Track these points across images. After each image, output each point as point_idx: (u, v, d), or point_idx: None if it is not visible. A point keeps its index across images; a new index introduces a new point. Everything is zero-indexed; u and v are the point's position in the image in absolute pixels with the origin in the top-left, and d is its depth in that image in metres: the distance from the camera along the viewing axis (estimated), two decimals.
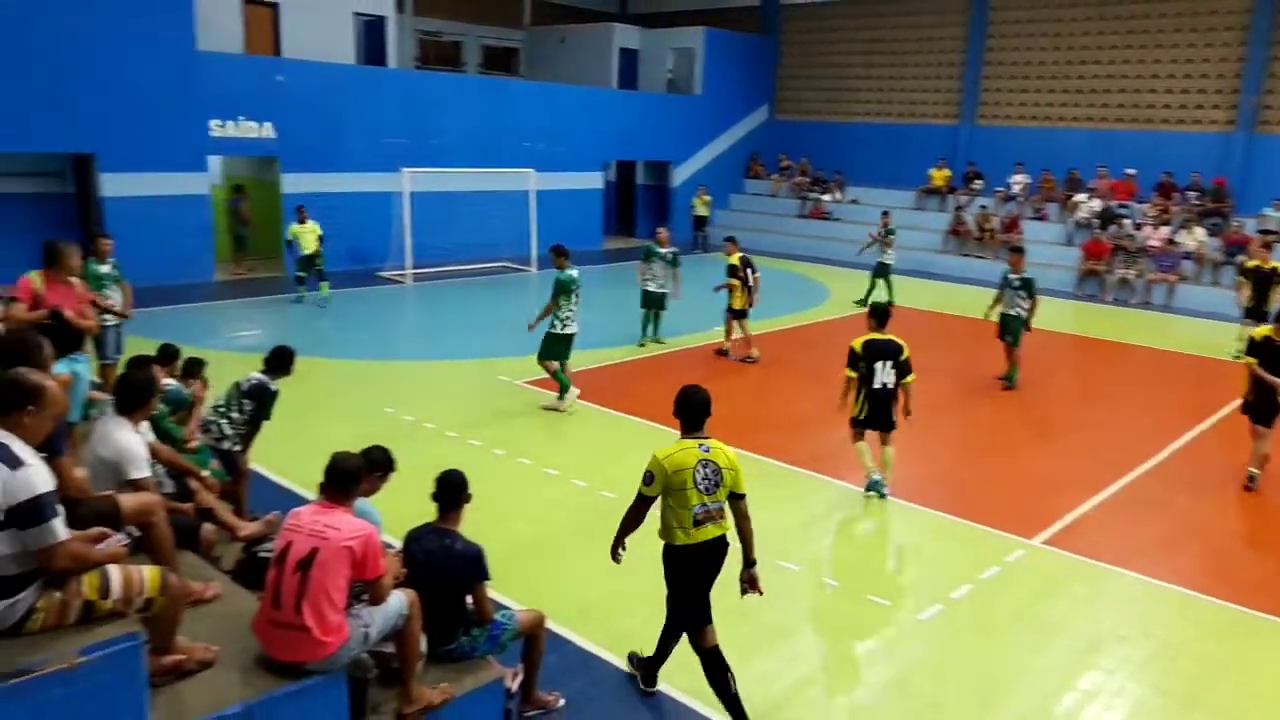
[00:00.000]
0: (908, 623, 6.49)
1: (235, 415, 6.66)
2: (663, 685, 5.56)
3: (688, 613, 5.23)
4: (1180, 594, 7.05)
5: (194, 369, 7.50)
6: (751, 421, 10.71)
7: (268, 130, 18.40)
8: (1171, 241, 20.49)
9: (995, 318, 12.49)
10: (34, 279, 7.26)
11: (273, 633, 4.04)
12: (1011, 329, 12.34)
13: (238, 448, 6.67)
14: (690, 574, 5.15)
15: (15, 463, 3.34)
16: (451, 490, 4.84)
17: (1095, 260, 20.95)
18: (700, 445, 5.06)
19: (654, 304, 14.33)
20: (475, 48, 28.53)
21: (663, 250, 14.22)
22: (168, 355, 7.43)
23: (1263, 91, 21.06)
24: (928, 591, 6.93)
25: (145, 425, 5.14)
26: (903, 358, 8.43)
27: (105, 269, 9.71)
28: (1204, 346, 15.85)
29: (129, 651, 3.51)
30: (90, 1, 15.74)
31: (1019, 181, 23.74)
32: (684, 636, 5.32)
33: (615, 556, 5.34)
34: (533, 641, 5.06)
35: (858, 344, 8.50)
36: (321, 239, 16.45)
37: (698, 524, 5.02)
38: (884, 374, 8.39)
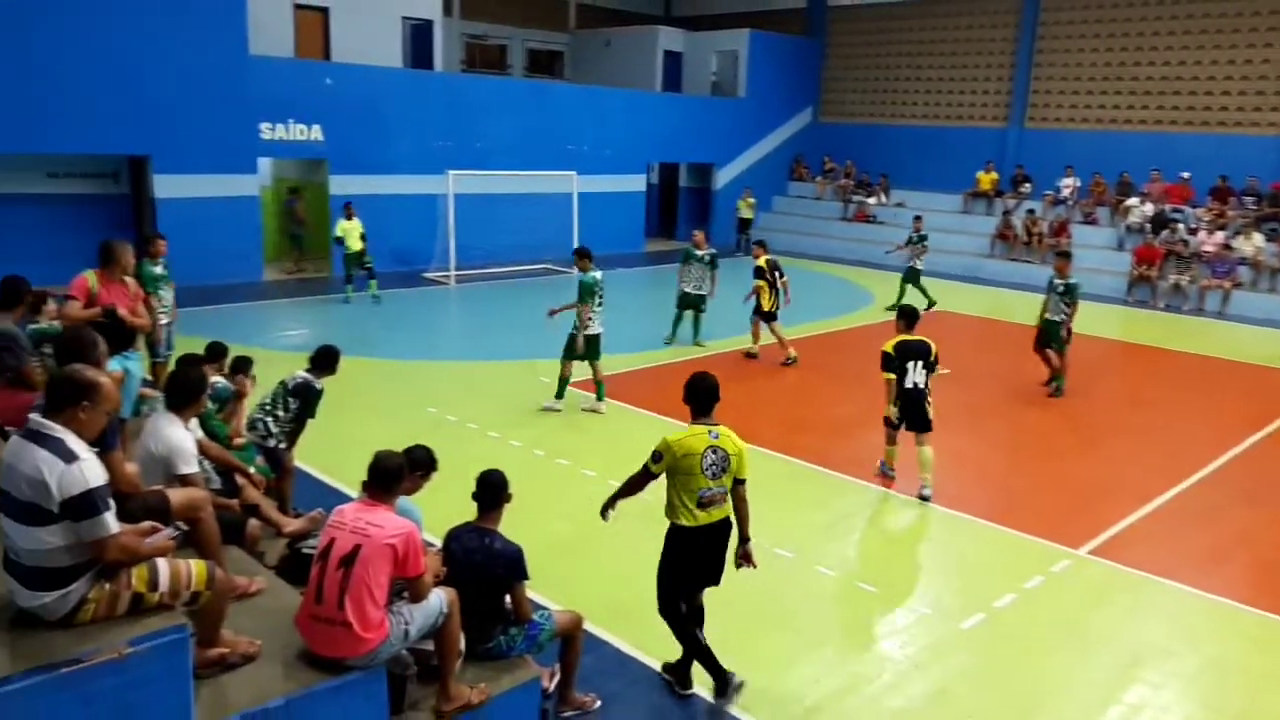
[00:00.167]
0: (949, 631, 6.41)
1: (281, 413, 6.76)
2: (697, 689, 5.55)
3: (672, 590, 5.40)
4: (1230, 607, 6.89)
5: (241, 366, 7.62)
6: (791, 424, 10.65)
7: (316, 133, 18.68)
8: (1227, 246, 20.03)
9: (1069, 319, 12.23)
10: (89, 277, 7.42)
11: (315, 628, 4.10)
12: (1056, 335, 12.14)
13: (283, 445, 6.77)
14: (690, 554, 5.32)
15: (70, 457, 3.41)
16: (492, 490, 4.88)
17: (1147, 266, 20.54)
18: (710, 432, 5.24)
19: (690, 305, 14.36)
20: (520, 51, 28.72)
21: (699, 252, 14.22)
22: (216, 353, 7.56)
23: None
24: (970, 600, 6.84)
25: (195, 422, 5.24)
26: (932, 357, 8.66)
27: (159, 269, 9.91)
28: (1260, 355, 15.49)
29: (176, 643, 3.57)
30: (147, 7, 16.10)
31: (1068, 185, 23.36)
32: (702, 623, 5.46)
33: (604, 515, 5.59)
34: (570, 642, 5.08)
35: (890, 346, 8.64)
36: (364, 237, 16.68)
37: (702, 506, 5.20)
38: (915, 374, 8.57)
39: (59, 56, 15.26)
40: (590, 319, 10.74)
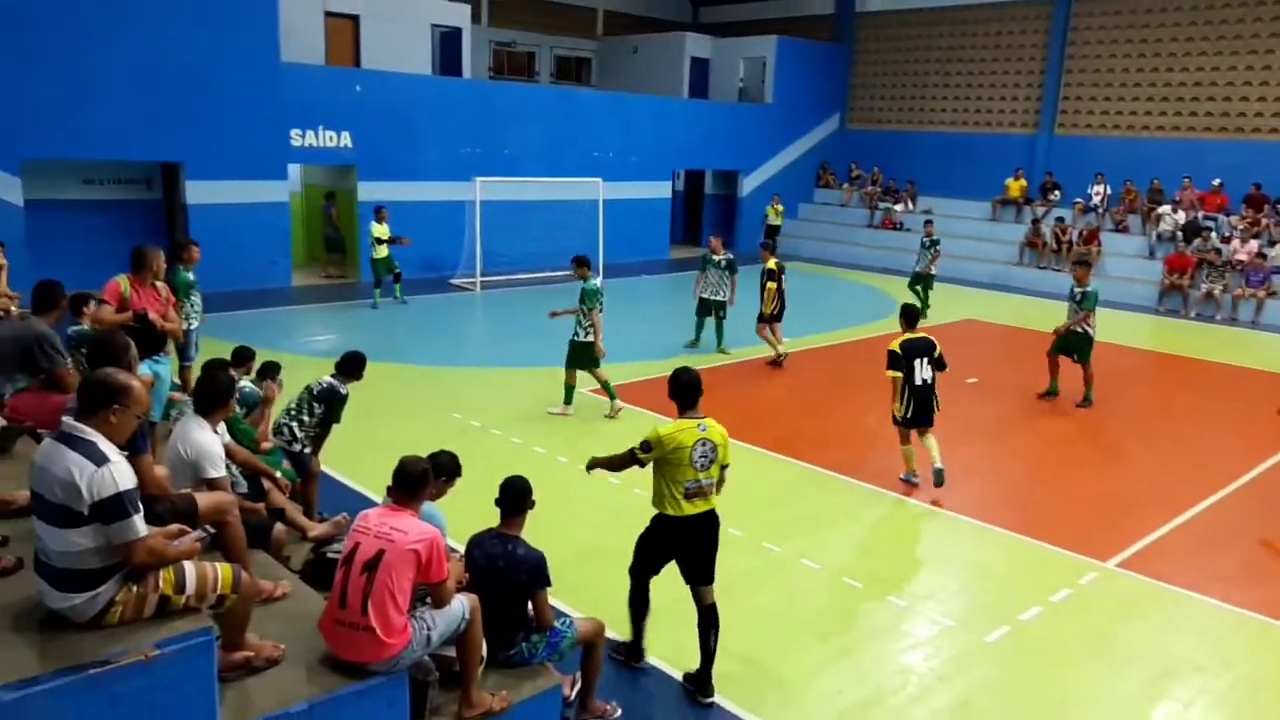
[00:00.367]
0: (974, 644, 6.35)
1: (306, 418, 6.82)
2: (719, 698, 5.53)
3: (643, 567, 5.64)
4: (1262, 622, 6.77)
5: (269, 371, 7.70)
6: (814, 434, 10.61)
7: (346, 139, 18.85)
8: (1261, 255, 19.74)
9: (1090, 329, 12.10)
10: (121, 282, 7.53)
11: (338, 632, 4.12)
12: (1078, 346, 12.01)
13: (308, 450, 6.83)
14: (671, 542, 5.48)
15: (101, 460, 3.46)
16: (515, 497, 4.89)
17: (1178, 274, 20.27)
18: (699, 425, 5.40)
19: (708, 311, 14.40)
20: (548, 58, 28.85)
21: (716, 257, 14.26)
22: (242, 357, 7.65)
23: None
24: (995, 612, 6.78)
25: (223, 426, 5.30)
26: (937, 353, 8.92)
27: (192, 275, 10.03)
28: None
29: (202, 646, 3.61)
30: (181, 15, 16.34)
31: (1099, 192, 23.11)
32: (716, 625, 5.53)
33: (588, 469, 5.93)
34: (591, 650, 5.08)
35: (896, 345, 8.87)
36: (384, 242, 16.90)
37: (688, 497, 5.36)
38: (923, 370, 8.82)
39: (94, 66, 15.52)
40: (591, 326, 10.79)
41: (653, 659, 5.93)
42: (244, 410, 6.97)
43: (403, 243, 17.31)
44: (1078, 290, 12.07)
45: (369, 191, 19.13)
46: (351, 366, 7.07)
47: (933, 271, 17.68)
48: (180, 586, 3.66)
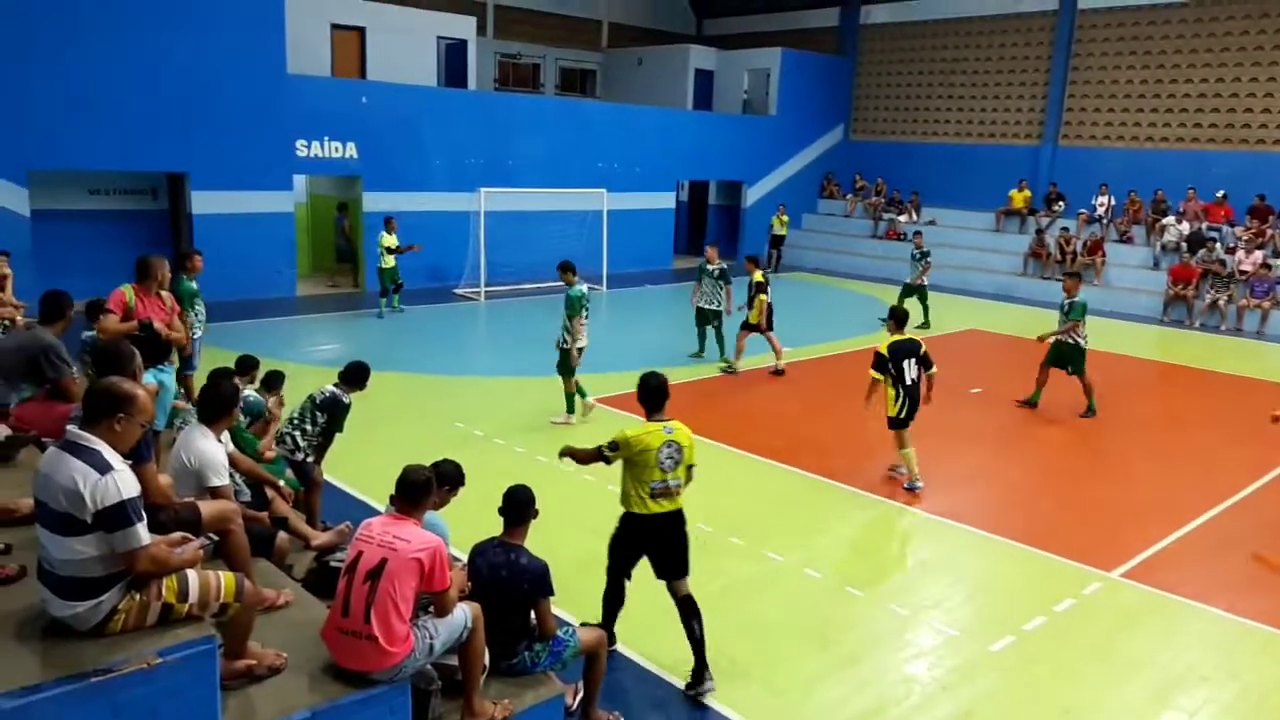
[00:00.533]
0: (978, 654, 6.33)
1: (308, 427, 6.83)
2: (721, 706, 5.52)
3: (617, 564, 5.82)
4: (1268, 633, 6.75)
5: (274, 383, 7.71)
6: (817, 442, 10.59)
7: (351, 150, 18.93)
8: (1266, 266, 19.71)
9: (1080, 340, 12.13)
10: (126, 292, 7.56)
11: (341, 641, 4.12)
12: (1070, 358, 12.03)
13: (310, 459, 6.84)
14: (639, 539, 5.67)
15: (105, 468, 3.47)
16: (518, 505, 4.90)
17: (1183, 285, 20.25)
18: (665, 428, 5.58)
19: (705, 321, 14.45)
20: (553, 69, 28.97)
21: (711, 267, 14.32)
22: (246, 366, 7.67)
23: None
24: (999, 622, 6.76)
25: (226, 435, 5.32)
26: (922, 352, 9.21)
27: (195, 285, 10.07)
28: None
29: (204, 654, 3.62)
30: (188, 26, 16.43)
31: (1103, 203, 23.12)
32: (698, 615, 5.71)
33: (560, 456, 6.04)
34: (594, 659, 5.07)
35: (884, 348, 9.12)
36: (393, 252, 17.01)
37: (654, 497, 5.54)
38: (911, 371, 9.11)
39: (100, 76, 15.62)
40: (578, 333, 10.84)
41: (655, 668, 5.92)
42: (247, 420, 6.99)
43: (414, 250, 17.43)
44: (1065, 301, 12.12)
45: (374, 202, 19.20)
46: (355, 376, 7.09)
47: (924, 283, 17.66)
48: (183, 595, 3.67)
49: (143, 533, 3.52)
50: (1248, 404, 13.48)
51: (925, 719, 5.57)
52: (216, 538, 4.48)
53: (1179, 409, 13.36)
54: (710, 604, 6.79)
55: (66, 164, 15.95)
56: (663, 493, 5.55)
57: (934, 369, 9.28)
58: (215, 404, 5.05)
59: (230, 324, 14.86)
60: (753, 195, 27.39)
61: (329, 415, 6.88)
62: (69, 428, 3.63)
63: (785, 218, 26.01)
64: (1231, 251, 20.44)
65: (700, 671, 5.63)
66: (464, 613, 4.36)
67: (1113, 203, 23.04)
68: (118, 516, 3.45)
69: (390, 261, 16.93)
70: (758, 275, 13.70)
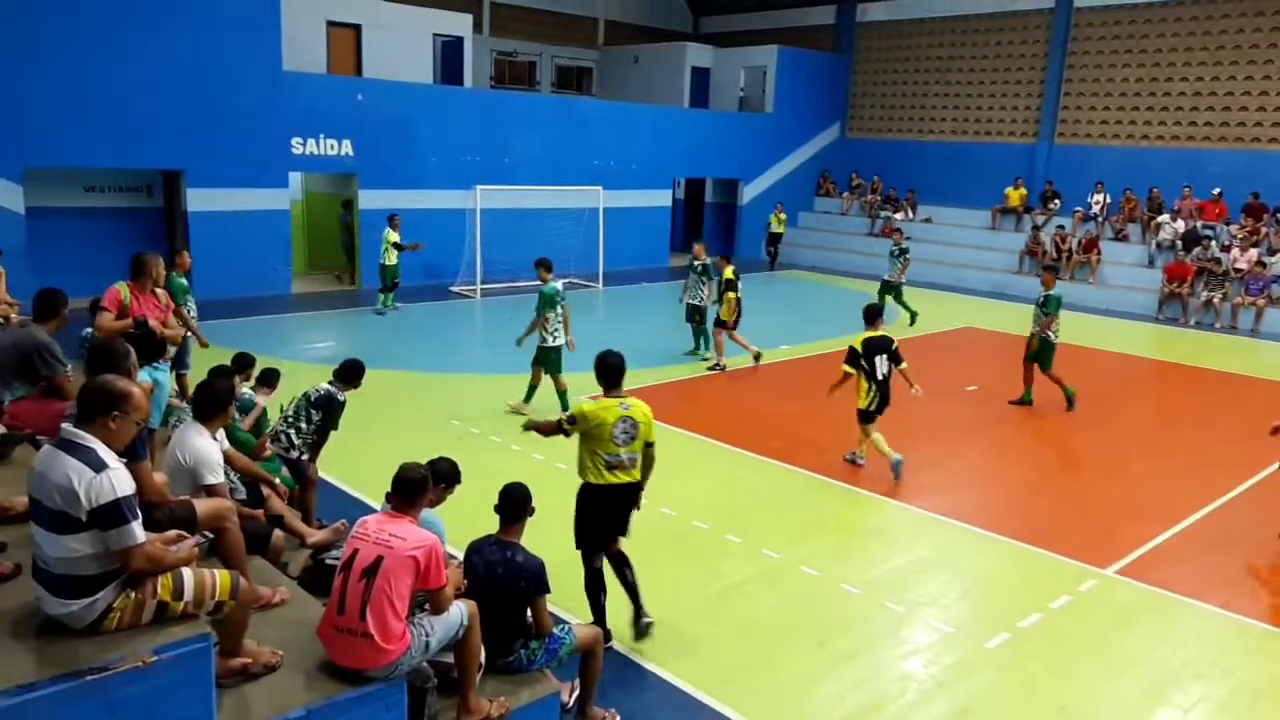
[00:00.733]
0: (974, 650, 6.34)
1: (303, 425, 6.82)
2: (718, 704, 5.53)
3: (585, 540, 5.99)
4: (1262, 630, 6.77)
5: (269, 380, 7.70)
6: (812, 441, 10.59)
7: (347, 148, 18.90)
8: (1261, 264, 19.75)
9: (1051, 335, 12.23)
10: (121, 289, 7.53)
11: (336, 638, 4.12)
12: (1039, 353, 12.11)
13: (305, 457, 6.83)
14: (597, 510, 5.88)
15: (99, 466, 3.46)
16: (515, 503, 4.90)
17: (1178, 283, 20.29)
18: (621, 404, 5.82)
19: (689, 317, 14.53)
20: (549, 67, 28.95)
21: (696, 263, 14.37)
22: (242, 364, 7.65)
23: None
24: (995, 619, 6.77)
25: (221, 433, 5.31)
26: (894, 348, 9.52)
27: (185, 281, 10.08)
28: None
29: (200, 652, 3.62)
30: (183, 24, 16.39)
31: (1098, 201, 23.15)
32: (629, 564, 6.07)
33: (524, 429, 6.39)
34: (590, 657, 5.08)
35: (858, 343, 9.46)
36: (399, 249, 17.08)
37: (609, 469, 5.79)
38: (883, 366, 9.42)
39: (96, 73, 15.57)
40: (556, 330, 10.86)
41: (651, 665, 5.93)
42: (242, 417, 6.97)
43: (418, 247, 17.47)
44: (1041, 294, 12.17)
45: (370, 200, 19.18)
46: (350, 374, 7.08)
47: (902, 281, 17.70)
48: (178, 593, 3.66)
49: (138, 531, 3.51)
50: (1242, 402, 13.52)
51: (921, 716, 5.57)
52: (212, 535, 4.47)
53: (1174, 407, 13.39)
54: (708, 602, 6.83)
55: (62, 161, 15.91)
56: (617, 465, 5.80)
57: (904, 364, 9.55)
58: (210, 402, 5.05)
59: (225, 321, 14.83)
60: (749, 193, 27.40)
61: (324, 413, 6.87)
62: (64, 425, 3.63)
63: (783, 216, 26.03)
64: (1226, 249, 20.48)
65: (639, 611, 6.04)
66: (460, 610, 4.35)
67: (1108, 201, 23.08)
68: (113, 514, 3.44)
69: (393, 258, 16.95)
70: (728, 272, 13.74)
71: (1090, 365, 15.53)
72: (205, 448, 4.83)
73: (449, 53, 22.18)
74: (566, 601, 6.23)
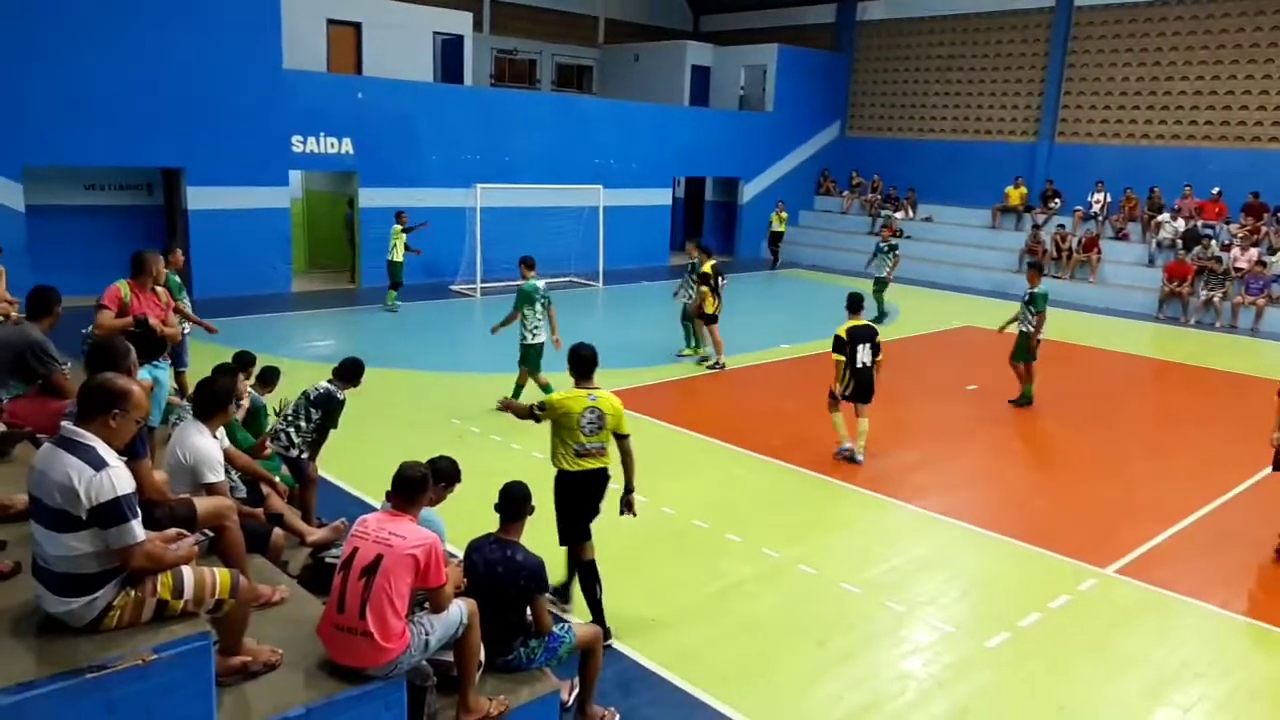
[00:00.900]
0: (973, 650, 6.34)
1: (303, 424, 6.82)
2: (718, 703, 5.53)
3: (569, 530, 6.07)
4: (1261, 629, 6.78)
5: (269, 378, 7.70)
6: (811, 440, 10.58)
7: (347, 146, 18.88)
8: (1261, 263, 19.75)
9: (1013, 329, 12.37)
10: (121, 287, 7.53)
11: (336, 637, 4.12)
12: (1023, 347, 12.16)
13: (305, 455, 6.83)
14: (571, 496, 6.02)
15: (99, 464, 3.46)
16: (514, 502, 4.90)
17: (1178, 282, 20.28)
18: (589, 395, 6.00)
19: (683, 315, 14.60)
20: (549, 65, 28.92)
21: (687, 262, 14.45)
22: (244, 362, 7.65)
23: None
24: (995, 619, 6.77)
25: (222, 431, 5.31)
26: (877, 339, 9.87)
27: (178, 279, 10.07)
28: None
29: (200, 650, 3.61)
30: (184, 22, 16.37)
31: (1099, 200, 23.14)
32: (598, 579, 6.09)
33: (498, 408, 6.67)
34: (590, 655, 5.08)
35: (843, 331, 9.73)
36: (393, 248, 17.10)
37: (579, 456, 5.99)
38: (864, 354, 9.73)
39: (96, 72, 15.55)
40: (537, 327, 10.90)
41: (650, 664, 5.93)
42: (242, 415, 6.97)
43: (423, 225, 17.60)
44: (1027, 291, 12.21)
45: (370, 198, 19.18)
46: (350, 372, 7.08)
47: (891, 278, 17.80)
48: (178, 591, 3.66)
49: (138, 529, 3.51)
50: (1242, 401, 13.51)
51: (921, 715, 5.58)
52: (212, 534, 4.47)
53: (1173, 406, 13.39)
54: (708, 601, 6.83)
55: (62, 159, 15.89)
56: (585, 454, 6.00)
57: (880, 355, 9.92)
58: (211, 400, 5.05)
59: (225, 319, 14.80)
60: (749, 192, 27.38)
61: (324, 412, 6.87)
62: (64, 424, 3.62)
63: (784, 214, 26.04)
64: (1226, 249, 20.47)
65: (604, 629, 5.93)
66: (460, 609, 4.36)
67: (1108, 200, 23.06)
68: (112, 513, 3.43)
69: (399, 255, 16.97)
70: (705, 266, 13.79)
71: (1090, 364, 15.54)
72: (205, 446, 4.83)
73: (449, 51, 22.16)
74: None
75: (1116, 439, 11.33)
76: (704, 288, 13.64)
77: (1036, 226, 23.59)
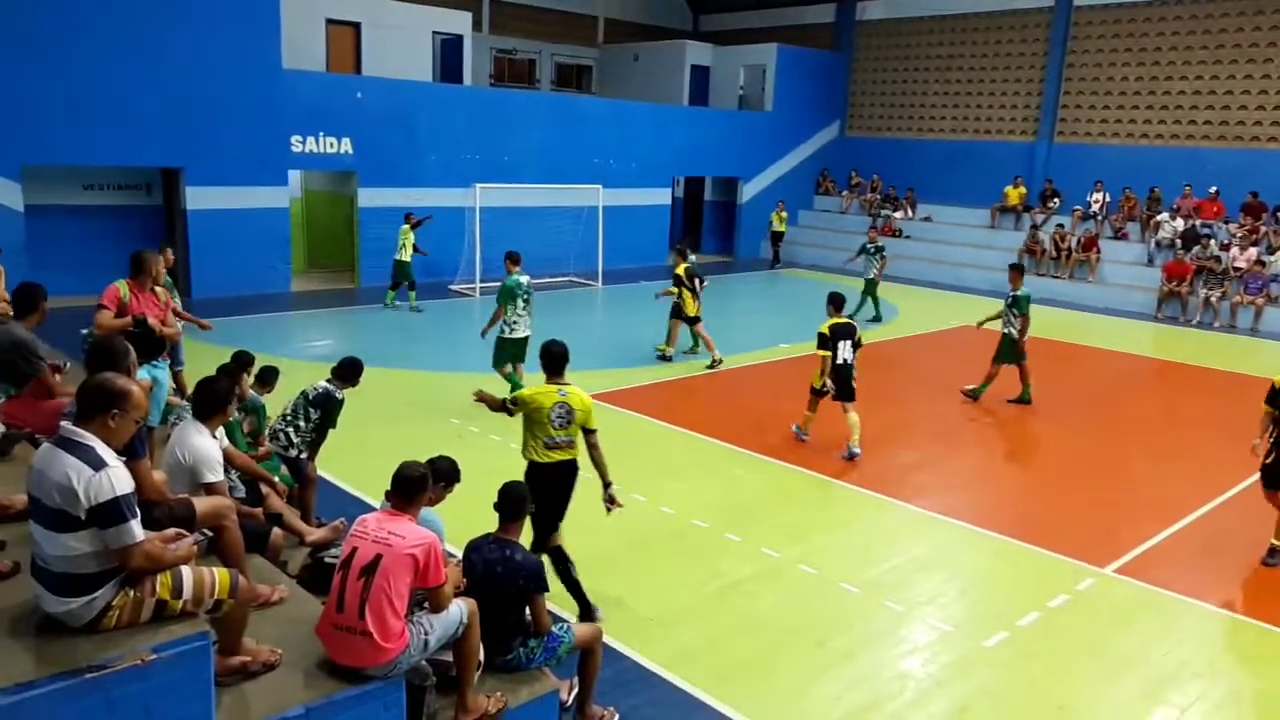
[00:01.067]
0: (972, 649, 6.35)
1: (301, 424, 6.82)
2: (717, 703, 5.54)
3: (536, 519, 6.14)
4: (1260, 629, 6.78)
5: (268, 378, 7.69)
6: (812, 440, 10.59)
7: (346, 146, 18.88)
8: (1260, 263, 19.76)
9: (993, 327, 12.49)
10: (120, 287, 7.52)
11: (335, 636, 4.12)
12: (1007, 349, 12.20)
13: (304, 455, 6.83)
14: (541, 485, 6.12)
15: (98, 464, 3.46)
16: (513, 502, 4.91)
17: (1177, 282, 20.29)
18: (560, 390, 6.21)
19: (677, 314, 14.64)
20: (549, 65, 28.92)
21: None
22: (243, 361, 7.64)
23: None
24: (994, 618, 6.78)
25: (221, 431, 5.31)
26: (858, 336, 10.17)
27: (169, 278, 10.05)
28: None
29: (199, 650, 3.61)
30: (183, 21, 16.37)
31: (1098, 200, 23.14)
32: (569, 562, 6.28)
33: (475, 397, 6.87)
34: (589, 655, 5.08)
35: (826, 328, 10.02)
36: (401, 247, 17.14)
37: (549, 448, 6.21)
38: (845, 351, 9.98)
39: (96, 71, 15.55)
40: (516, 322, 10.94)
41: (649, 663, 5.93)
42: (241, 414, 6.97)
43: (428, 220, 17.73)
44: (1010, 293, 12.22)
45: (369, 198, 19.18)
46: (348, 372, 7.08)
47: (874, 276, 17.92)
48: (177, 591, 3.66)
49: (137, 529, 3.51)
50: (1241, 401, 13.50)
51: (920, 715, 5.58)
52: (211, 534, 4.47)
53: (1172, 406, 13.39)
54: (707, 601, 6.84)
55: (61, 159, 15.89)
56: (555, 445, 6.20)
57: (859, 350, 10.24)
58: (210, 401, 5.05)
59: (224, 319, 14.81)
60: (749, 191, 27.38)
61: (323, 412, 6.87)
62: (63, 424, 3.62)
63: (784, 214, 26.05)
64: (1226, 248, 20.48)
65: (588, 607, 6.22)
66: (459, 609, 4.35)
67: (1108, 199, 23.07)
68: (112, 513, 3.43)
69: (408, 255, 16.99)
70: (679, 269, 13.89)
71: (1089, 364, 15.55)
72: (205, 446, 4.83)
73: (448, 50, 22.16)
74: (565, 601, 6.24)
75: (1115, 439, 11.34)
76: (671, 289, 13.80)
77: (1035, 226, 23.60)
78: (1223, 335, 18.76)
